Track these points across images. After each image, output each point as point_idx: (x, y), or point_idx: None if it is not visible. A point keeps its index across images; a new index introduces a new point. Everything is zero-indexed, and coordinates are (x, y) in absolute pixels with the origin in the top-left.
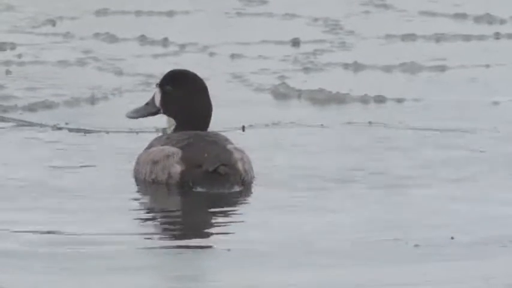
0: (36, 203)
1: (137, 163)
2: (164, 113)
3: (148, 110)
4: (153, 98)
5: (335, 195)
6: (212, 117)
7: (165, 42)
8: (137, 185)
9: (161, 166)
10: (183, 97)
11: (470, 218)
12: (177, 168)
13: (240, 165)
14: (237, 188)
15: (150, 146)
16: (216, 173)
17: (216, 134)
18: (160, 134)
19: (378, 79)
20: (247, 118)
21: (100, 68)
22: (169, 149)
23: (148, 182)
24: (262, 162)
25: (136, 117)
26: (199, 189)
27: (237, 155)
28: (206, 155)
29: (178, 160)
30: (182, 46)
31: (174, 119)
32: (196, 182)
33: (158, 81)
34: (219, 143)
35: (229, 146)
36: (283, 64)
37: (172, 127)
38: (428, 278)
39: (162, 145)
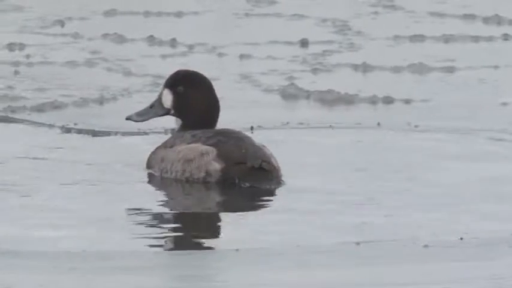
0: (50, 203)
1: (162, 161)
2: (175, 114)
3: (157, 112)
4: (159, 100)
5: (344, 195)
6: (221, 118)
7: (173, 42)
8: (149, 184)
9: (196, 164)
10: (196, 97)
11: (479, 218)
12: (216, 166)
13: (273, 161)
14: (280, 183)
15: (172, 144)
16: (259, 170)
17: (236, 131)
18: (169, 134)
19: (386, 80)
20: (256, 119)
21: (109, 68)
22: (202, 147)
23: (180, 180)
24: None
25: (143, 120)
26: (246, 184)
27: (267, 151)
28: (244, 151)
29: (215, 158)
30: (190, 47)
31: (183, 119)
32: (242, 178)
33: (164, 82)
34: (245, 140)
35: (256, 143)
36: (292, 65)
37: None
38: (437, 278)
39: (188, 143)
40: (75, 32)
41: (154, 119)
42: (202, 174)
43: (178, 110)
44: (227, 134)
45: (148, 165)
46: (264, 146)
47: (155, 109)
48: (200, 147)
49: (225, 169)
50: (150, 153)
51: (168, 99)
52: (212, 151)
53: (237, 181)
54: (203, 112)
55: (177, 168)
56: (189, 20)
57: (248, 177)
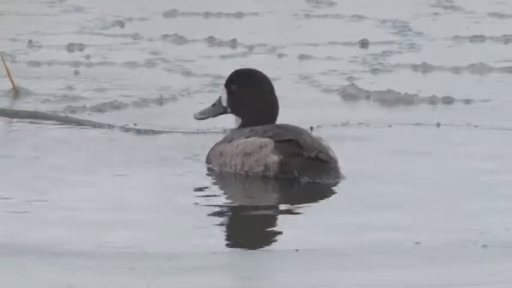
0: (108, 203)
1: (221, 155)
2: (231, 112)
3: (216, 111)
4: (219, 99)
5: (403, 195)
6: (280, 118)
7: (233, 43)
8: (207, 180)
9: (255, 158)
10: (248, 95)
11: None
12: (274, 158)
13: (331, 153)
14: (340, 178)
15: (231, 139)
16: (317, 160)
17: (294, 126)
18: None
19: (446, 80)
20: (316, 119)
21: (168, 69)
22: (260, 139)
23: (240, 175)
24: None
25: (204, 118)
26: (305, 179)
27: (324, 143)
28: (302, 141)
29: (273, 150)
30: (250, 47)
31: (241, 117)
32: (300, 171)
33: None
34: (303, 132)
35: (314, 135)
36: (352, 65)
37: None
38: (497, 278)
39: (246, 137)
40: (135, 33)
41: (215, 118)
42: (261, 168)
43: (232, 108)
44: (285, 127)
45: (208, 160)
46: (321, 139)
47: (215, 108)
48: (258, 140)
49: (283, 161)
50: (209, 149)
51: (224, 97)
52: (270, 143)
53: (296, 174)
54: (257, 110)
55: (236, 162)
56: (249, 20)
57: (306, 170)
